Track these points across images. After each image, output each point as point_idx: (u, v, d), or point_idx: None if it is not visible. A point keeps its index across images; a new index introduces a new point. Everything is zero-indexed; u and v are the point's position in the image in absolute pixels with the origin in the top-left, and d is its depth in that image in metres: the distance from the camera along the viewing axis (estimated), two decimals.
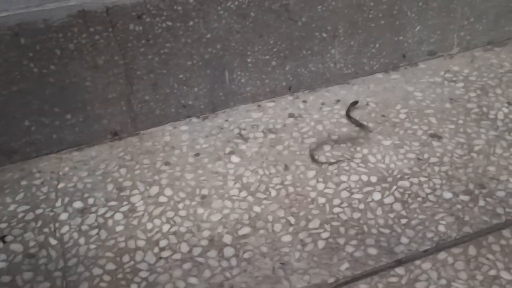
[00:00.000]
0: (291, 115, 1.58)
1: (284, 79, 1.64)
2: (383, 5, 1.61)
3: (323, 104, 1.61)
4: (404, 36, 1.72)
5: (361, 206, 1.26)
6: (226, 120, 1.56)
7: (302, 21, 1.55)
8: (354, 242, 1.17)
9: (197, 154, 1.45)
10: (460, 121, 1.52)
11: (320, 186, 1.33)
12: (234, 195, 1.31)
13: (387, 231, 1.19)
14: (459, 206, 1.24)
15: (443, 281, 1.07)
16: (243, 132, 1.52)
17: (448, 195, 1.27)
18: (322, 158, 1.38)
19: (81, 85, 1.39)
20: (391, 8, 1.63)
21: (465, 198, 1.26)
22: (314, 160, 1.37)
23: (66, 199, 1.31)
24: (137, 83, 1.45)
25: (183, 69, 1.49)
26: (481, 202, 1.24)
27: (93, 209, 1.28)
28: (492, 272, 1.08)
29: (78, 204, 1.30)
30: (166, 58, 1.44)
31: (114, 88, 1.43)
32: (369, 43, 1.68)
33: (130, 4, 1.34)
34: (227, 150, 1.46)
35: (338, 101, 1.63)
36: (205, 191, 1.33)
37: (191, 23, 1.42)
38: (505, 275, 1.07)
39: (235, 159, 1.43)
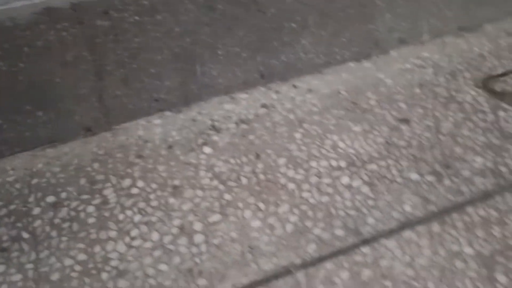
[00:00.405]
0: (263, 106, 1.60)
1: (256, 70, 1.66)
2: None
3: (298, 93, 1.63)
4: (375, 25, 1.74)
5: (330, 190, 1.28)
6: (199, 113, 1.58)
7: (271, 13, 1.57)
8: (321, 224, 1.19)
9: (169, 147, 1.46)
10: (429, 105, 1.54)
11: (290, 172, 1.35)
12: (205, 184, 1.33)
13: (354, 212, 1.21)
14: (425, 187, 1.26)
15: (407, 258, 1.09)
16: (215, 123, 1.54)
17: (414, 176, 1.29)
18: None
19: (51, 82, 1.41)
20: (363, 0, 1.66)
21: (431, 178, 1.28)
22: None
23: (39, 194, 1.33)
24: (108, 78, 1.46)
25: (154, 63, 1.50)
26: (447, 182, 1.27)
27: (66, 203, 1.30)
28: (455, 248, 1.10)
29: (50, 199, 1.31)
30: (136, 52, 1.46)
31: (85, 84, 1.44)
32: (340, 33, 1.70)
33: (96, 0, 1.35)
34: (200, 141, 1.47)
35: (310, 90, 1.65)
36: (177, 182, 1.34)
37: (159, 17, 1.44)
38: (467, 249, 1.09)
39: (207, 150, 1.45)
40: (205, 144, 1.46)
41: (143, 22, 1.43)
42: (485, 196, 1.21)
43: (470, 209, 1.19)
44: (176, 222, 1.23)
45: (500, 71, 1.65)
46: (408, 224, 1.17)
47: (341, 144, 1.42)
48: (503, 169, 1.28)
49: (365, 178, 1.31)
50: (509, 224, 1.13)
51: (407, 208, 1.21)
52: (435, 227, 1.15)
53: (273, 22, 1.59)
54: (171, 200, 1.29)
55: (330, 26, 1.67)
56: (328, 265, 1.09)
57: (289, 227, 1.19)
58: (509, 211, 1.16)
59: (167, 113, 1.58)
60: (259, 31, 1.59)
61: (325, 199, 1.26)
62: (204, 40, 1.53)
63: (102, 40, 1.40)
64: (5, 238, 1.22)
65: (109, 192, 1.32)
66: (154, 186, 1.34)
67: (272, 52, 1.65)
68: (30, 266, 1.15)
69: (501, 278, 1.03)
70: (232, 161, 1.40)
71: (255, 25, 1.58)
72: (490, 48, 1.77)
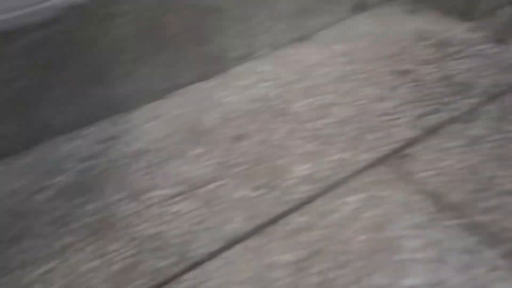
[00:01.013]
0: (109, 138, 1.63)
1: (99, 103, 1.68)
2: (185, 22, 1.70)
3: (143, 122, 1.67)
4: (211, 47, 1.82)
5: (167, 218, 1.34)
6: (41, 155, 1.58)
7: (101, 48, 1.60)
8: (157, 254, 1.25)
9: (10, 195, 1.45)
10: (265, 119, 1.64)
11: (131, 205, 1.39)
12: (46, 231, 1.34)
13: (186, 238, 1.28)
14: (254, 201, 1.35)
15: (230, 276, 1.17)
16: (58, 164, 1.54)
17: (244, 192, 1.38)
18: None
19: None
20: (194, 24, 1.73)
21: (260, 192, 1.38)
22: None
23: None
24: None
25: None
26: (274, 193, 1.37)
27: None
28: (273, 257, 1.20)
29: None
30: None
31: None
32: (178, 58, 1.76)
33: None
34: (42, 184, 1.48)
35: (155, 117, 1.70)
36: (16, 232, 1.34)
37: None
38: (284, 257, 1.19)
39: (49, 193, 1.45)
40: (47, 187, 1.47)
41: None
42: (304, 203, 1.32)
43: (291, 217, 1.29)
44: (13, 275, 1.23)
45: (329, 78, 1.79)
46: (235, 241, 1.25)
47: (181, 169, 1.49)
48: (320, 175, 1.40)
49: (200, 201, 1.38)
50: (320, 225, 1.25)
51: (236, 225, 1.29)
52: (259, 240, 1.25)
53: (107, 55, 1.62)
54: (10, 251, 1.29)
55: (166, 53, 1.73)
56: None
57: (124, 263, 1.24)
58: (321, 215, 1.28)
59: (7, 159, 1.57)
60: (94, 66, 1.62)
61: (161, 228, 1.32)
62: (35, 83, 1.53)
63: None
64: None
65: None
66: None
67: (112, 84, 1.68)
68: None
69: (314, 279, 1.14)
70: (74, 201, 1.42)
71: (89, 60, 1.60)
72: (322, 56, 1.91)
